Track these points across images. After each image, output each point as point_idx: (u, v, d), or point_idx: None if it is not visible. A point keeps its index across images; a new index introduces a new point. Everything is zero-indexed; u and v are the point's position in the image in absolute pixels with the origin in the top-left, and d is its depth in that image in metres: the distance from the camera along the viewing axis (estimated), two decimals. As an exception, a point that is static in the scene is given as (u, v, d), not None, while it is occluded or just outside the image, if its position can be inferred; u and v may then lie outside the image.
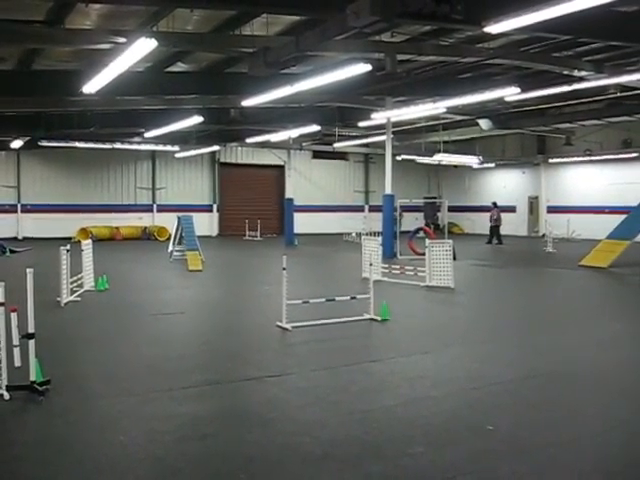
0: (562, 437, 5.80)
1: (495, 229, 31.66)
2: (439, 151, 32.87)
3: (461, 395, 7.04)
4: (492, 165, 37.55)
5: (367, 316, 11.16)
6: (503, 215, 32.69)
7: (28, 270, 6.86)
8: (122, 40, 12.36)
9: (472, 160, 35.05)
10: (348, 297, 11.45)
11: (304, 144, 34.72)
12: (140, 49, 11.24)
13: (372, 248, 16.34)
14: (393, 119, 23.92)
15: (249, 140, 30.94)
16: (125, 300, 13.70)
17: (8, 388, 6.69)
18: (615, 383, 7.68)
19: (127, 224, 34.56)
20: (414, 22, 13.54)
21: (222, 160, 37.84)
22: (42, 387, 6.77)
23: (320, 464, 5.16)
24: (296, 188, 34.16)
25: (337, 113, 25.33)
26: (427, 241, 16.62)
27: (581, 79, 17.27)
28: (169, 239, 25.22)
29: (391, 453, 5.37)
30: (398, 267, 16.87)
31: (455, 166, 39.95)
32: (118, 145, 30.40)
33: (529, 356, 9.01)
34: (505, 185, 39.28)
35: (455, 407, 6.59)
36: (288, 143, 31.58)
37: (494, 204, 32.64)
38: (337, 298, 11.41)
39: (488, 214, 32.51)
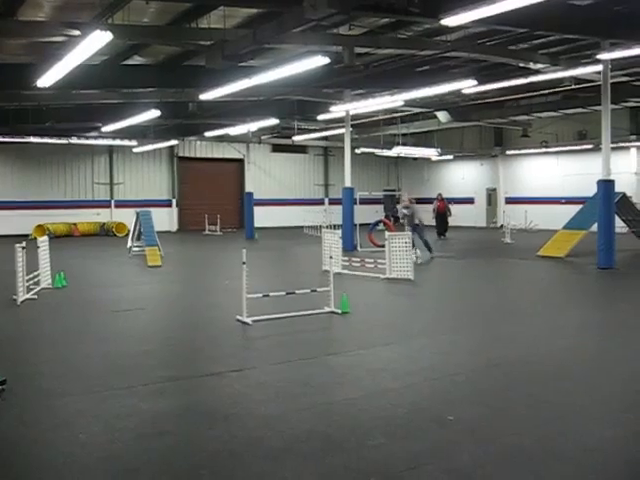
0: (522, 425, 5.87)
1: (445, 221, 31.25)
2: (398, 144, 32.97)
3: (422, 386, 7.08)
4: (450, 157, 37.83)
5: (327, 309, 11.17)
6: (462, 207, 32.77)
7: (-18, 268, 6.73)
8: (76, 33, 12.17)
9: (431, 152, 35.23)
10: (308, 290, 11.46)
11: (263, 137, 34.64)
12: (95, 42, 11.06)
13: (332, 241, 16.35)
14: (352, 112, 23.96)
15: (208, 134, 30.73)
16: (83, 297, 13.52)
17: (-37, 389, 6.56)
18: (575, 370, 7.79)
19: (85, 220, 34.06)
20: (372, 15, 13.56)
21: (181, 154, 37.48)
22: (-2, 387, 6.66)
23: (282, 458, 5.15)
24: (256, 182, 34.06)
25: (296, 106, 25.27)
26: (387, 233, 16.68)
27: (537, 72, 17.49)
28: (128, 235, 24.97)
29: (353, 446, 5.38)
30: (358, 260, 16.92)
31: (414, 158, 40.16)
32: (74, 140, 29.93)
33: (490, 346, 9.12)
34: (463, 177, 39.61)
35: (416, 398, 6.63)
36: (247, 137, 31.44)
37: (440, 195, 32.22)
38: (297, 291, 11.40)
39: (435, 206, 31.07)
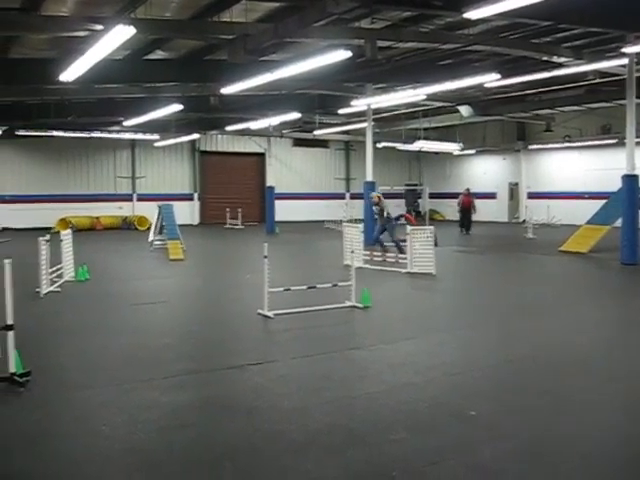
0: (543, 421, 5.84)
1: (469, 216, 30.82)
2: (420, 138, 32.83)
3: (443, 381, 7.06)
4: (473, 152, 37.62)
5: (349, 303, 11.15)
6: (484, 201, 32.50)
7: (6, 261, 6.79)
8: (99, 27, 12.22)
9: (453, 147, 35.07)
10: (330, 284, 11.44)
11: (284, 131, 34.58)
12: (118, 36, 11.11)
13: (353, 235, 16.35)
14: (373, 106, 23.90)
15: (229, 128, 30.80)
16: (106, 290, 13.62)
17: (-13, 380, 6.64)
18: (595, 366, 7.74)
19: (107, 214, 34.31)
20: (394, 8, 13.51)
21: (202, 148, 37.59)
22: (22, 378, 6.71)
23: (304, 452, 5.15)
24: (277, 176, 34.07)
25: (317, 100, 25.25)
26: (408, 228, 16.63)
27: (560, 65, 17.33)
28: (149, 228, 25.10)
29: (375, 440, 5.37)
30: (380, 254, 16.87)
31: (436, 153, 40.01)
32: (97, 134, 30.17)
33: (511, 341, 9.07)
34: (486, 172, 39.37)
35: (438, 393, 6.61)
36: (268, 131, 31.44)
37: (467, 190, 31.74)
38: (318, 285, 11.38)
39: (460, 200, 30.78)
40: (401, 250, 17.57)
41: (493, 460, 4.98)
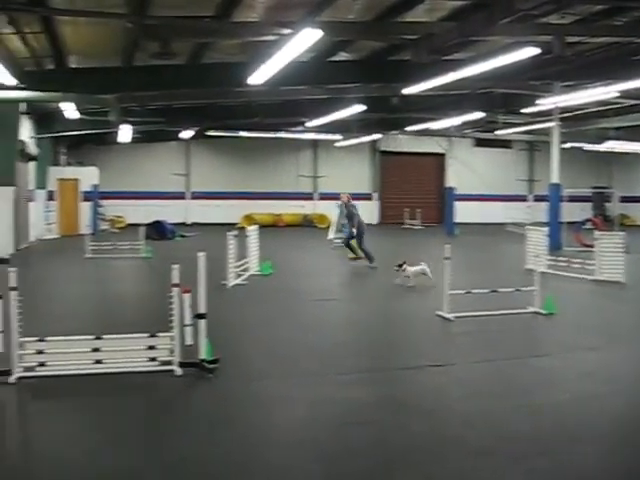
0: None
1: None
2: (610, 138, 31.18)
3: (632, 394, 6.68)
4: (671, 152, 35.28)
5: (531, 309, 10.79)
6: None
7: (200, 254, 7.17)
8: (288, 31, 12.59)
9: (647, 147, 33.07)
10: (512, 289, 11.10)
11: (466, 131, 34.05)
12: (305, 39, 11.38)
13: (537, 239, 15.82)
14: (560, 105, 22.99)
15: (409, 128, 30.74)
16: (288, 285, 14.05)
17: (181, 364, 7.04)
18: None
19: (288, 211, 35.46)
20: (585, 2, 12.92)
21: (382, 148, 37.88)
22: (211, 365, 7.06)
23: (482, 458, 5.04)
24: (457, 176, 33.63)
25: (500, 99, 24.63)
26: (596, 233, 15.85)
27: None
28: (329, 227, 25.60)
29: (557, 451, 5.16)
30: (564, 259, 16.18)
31: (631, 154, 37.78)
32: (281, 134, 31.23)
33: None
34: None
35: (627, 407, 6.26)
36: (449, 131, 31.10)
37: None
38: (500, 289, 11.10)
39: None
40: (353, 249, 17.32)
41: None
